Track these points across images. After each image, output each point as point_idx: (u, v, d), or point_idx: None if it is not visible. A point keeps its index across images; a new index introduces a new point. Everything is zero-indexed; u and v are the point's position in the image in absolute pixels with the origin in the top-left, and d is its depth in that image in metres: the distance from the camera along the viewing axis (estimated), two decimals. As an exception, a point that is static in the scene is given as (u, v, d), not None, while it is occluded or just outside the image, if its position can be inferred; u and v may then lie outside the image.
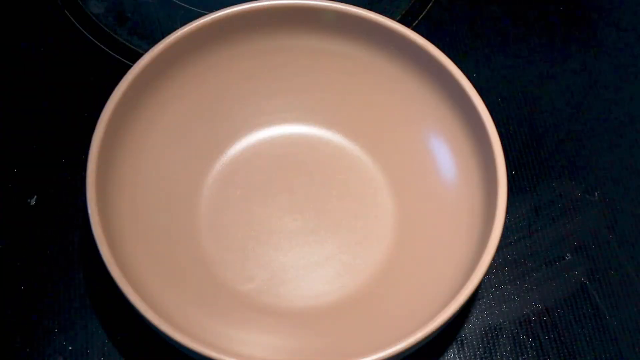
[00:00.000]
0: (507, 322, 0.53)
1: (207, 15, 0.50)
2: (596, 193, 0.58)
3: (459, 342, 0.52)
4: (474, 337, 0.53)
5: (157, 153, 0.52)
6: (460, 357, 0.52)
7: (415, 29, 0.51)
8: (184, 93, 0.53)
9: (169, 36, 0.50)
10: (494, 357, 0.52)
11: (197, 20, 0.50)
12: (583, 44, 0.66)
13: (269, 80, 0.55)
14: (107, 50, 0.62)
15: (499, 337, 0.53)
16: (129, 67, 0.49)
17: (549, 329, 0.53)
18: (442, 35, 0.64)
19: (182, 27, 0.50)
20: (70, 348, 0.51)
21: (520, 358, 0.52)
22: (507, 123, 0.61)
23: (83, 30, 0.63)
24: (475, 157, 0.49)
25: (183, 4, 0.65)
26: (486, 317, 0.53)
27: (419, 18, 0.65)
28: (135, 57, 0.52)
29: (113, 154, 0.48)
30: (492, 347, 0.52)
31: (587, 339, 0.53)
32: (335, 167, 0.55)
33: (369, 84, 0.54)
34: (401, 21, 0.52)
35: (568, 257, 0.56)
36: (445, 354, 0.52)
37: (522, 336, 0.53)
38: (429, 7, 0.66)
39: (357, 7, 0.51)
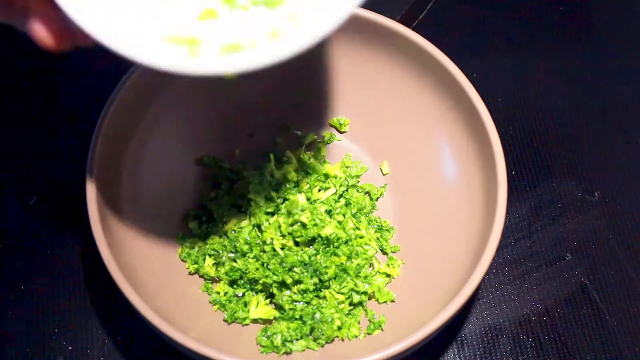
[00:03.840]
0: (507, 322, 0.53)
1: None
2: (596, 193, 0.59)
3: (459, 342, 0.52)
4: (474, 337, 0.53)
5: (157, 153, 0.52)
6: (460, 357, 0.52)
7: (416, 30, 0.51)
8: (185, 94, 0.53)
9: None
10: (494, 357, 0.52)
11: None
12: (583, 44, 0.66)
13: (270, 80, 0.55)
14: (105, 49, 0.62)
15: (499, 337, 0.53)
16: (128, 66, 0.48)
17: (549, 329, 0.53)
18: (442, 35, 0.64)
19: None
20: (70, 348, 0.51)
21: (520, 358, 0.52)
22: (507, 123, 0.61)
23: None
24: (475, 157, 0.49)
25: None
26: (486, 317, 0.53)
27: (419, 18, 0.65)
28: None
29: (113, 154, 0.48)
30: (492, 347, 0.52)
31: (587, 338, 0.53)
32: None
33: (368, 84, 0.54)
34: (401, 22, 0.52)
35: (568, 257, 0.56)
36: (445, 354, 0.52)
37: (522, 336, 0.53)
38: (428, 7, 0.66)
39: (357, 8, 0.51)
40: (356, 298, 0.49)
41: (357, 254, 0.51)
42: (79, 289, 0.53)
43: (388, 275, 0.51)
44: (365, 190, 0.54)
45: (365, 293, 0.50)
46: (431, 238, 0.51)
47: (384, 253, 0.53)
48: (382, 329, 0.49)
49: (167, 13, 0.36)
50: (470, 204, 0.49)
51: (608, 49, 0.66)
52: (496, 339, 0.53)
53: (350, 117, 0.56)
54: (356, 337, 0.49)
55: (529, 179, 0.59)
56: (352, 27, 0.52)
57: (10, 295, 0.53)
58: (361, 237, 0.51)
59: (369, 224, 0.53)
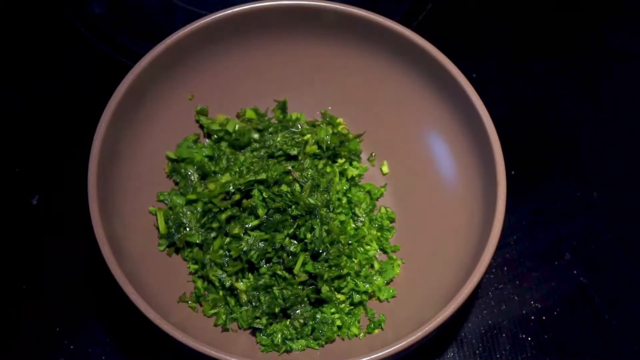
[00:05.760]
0: (507, 321, 0.53)
1: (207, 16, 0.51)
2: (595, 193, 0.59)
3: (458, 342, 0.53)
4: (473, 336, 0.53)
5: (158, 152, 0.52)
6: (460, 356, 0.52)
7: (415, 30, 0.51)
8: (184, 93, 0.53)
9: (169, 37, 0.50)
10: (493, 356, 0.52)
11: (198, 20, 0.50)
12: (584, 45, 0.66)
13: (268, 79, 0.55)
14: (107, 50, 0.62)
15: (499, 336, 0.53)
16: (129, 67, 0.49)
17: (548, 328, 0.53)
18: (442, 35, 0.64)
19: (183, 28, 0.50)
20: (71, 347, 0.51)
21: (519, 357, 0.52)
22: (507, 123, 0.61)
23: (84, 31, 0.63)
24: (475, 157, 0.50)
25: (183, 4, 0.65)
26: (485, 316, 0.53)
27: (419, 19, 0.65)
28: (136, 57, 0.52)
29: (114, 154, 0.48)
30: (491, 346, 0.52)
31: (586, 338, 0.53)
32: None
33: (368, 84, 0.54)
34: (401, 22, 0.52)
35: (567, 257, 0.56)
36: (445, 354, 0.52)
37: (522, 335, 0.53)
38: (429, 7, 0.66)
39: (357, 8, 0.51)
40: (357, 297, 0.50)
41: (358, 253, 0.51)
42: (81, 289, 0.53)
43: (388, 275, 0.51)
44: (366, 190, 0.55)
45: (365, 292, 0.50)
46: (430, 238, 0.51)
47: (384, 252, 0.53)
48: (382, 328, 0.49)
49: None
50: (470, 204, 0.49)
51: (608, 49, 0.66)
52: (495, 338, 0.53)
53: (349, 117, 0.56)
54: (356, 336, 0.49)
55: (528, 179, 0.59)
56: (353, 27, 0.52)
57: (11, 295, 0.53)
58: (362, 237, 0.51)
59: (370, 223, 0.53)
